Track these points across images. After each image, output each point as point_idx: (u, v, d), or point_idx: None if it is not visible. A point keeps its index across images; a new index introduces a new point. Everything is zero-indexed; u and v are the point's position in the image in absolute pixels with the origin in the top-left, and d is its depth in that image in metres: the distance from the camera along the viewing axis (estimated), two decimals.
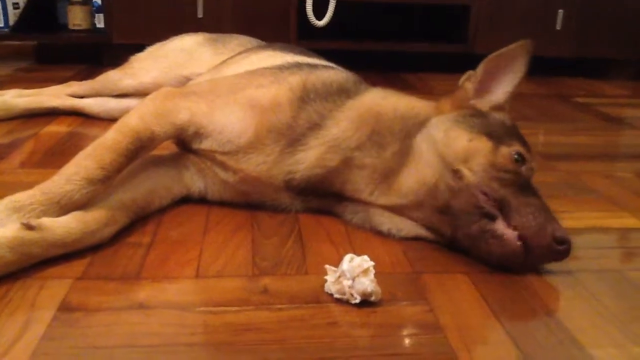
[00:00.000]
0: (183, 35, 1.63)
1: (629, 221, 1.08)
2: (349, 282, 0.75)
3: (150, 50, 1.61)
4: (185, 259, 0.86)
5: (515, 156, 0.90)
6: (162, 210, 1.01)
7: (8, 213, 0.81)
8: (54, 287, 0.76)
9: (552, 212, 0.86)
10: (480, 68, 0.97)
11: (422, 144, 0.94)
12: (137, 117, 0.94)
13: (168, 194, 1.02)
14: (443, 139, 0.92)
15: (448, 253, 0.91)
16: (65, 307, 0.72)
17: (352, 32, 2.65)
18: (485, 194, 0.86)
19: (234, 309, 0.74)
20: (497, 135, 0.92)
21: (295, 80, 0.99)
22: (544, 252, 0.83)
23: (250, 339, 0.67)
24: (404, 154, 0.94)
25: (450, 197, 0.88)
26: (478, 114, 0.97)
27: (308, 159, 0.95)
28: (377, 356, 0.66)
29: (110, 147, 0.89)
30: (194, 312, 0.73)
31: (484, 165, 0.88)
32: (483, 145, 0.90)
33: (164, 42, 1.62)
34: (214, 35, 1.61)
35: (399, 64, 2.67)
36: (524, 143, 0.93)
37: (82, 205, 0.86)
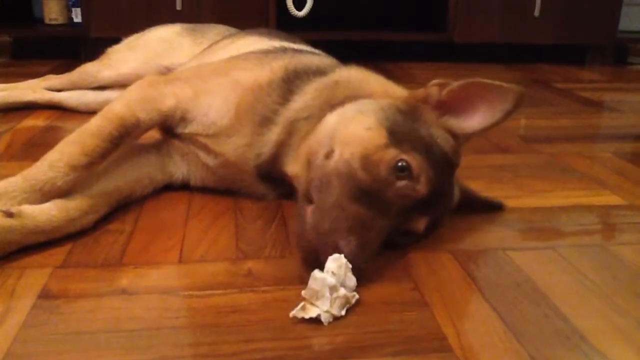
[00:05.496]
0: (160, 26, 1.62)
1: (611, 198, 1.09)
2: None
3: (127, 42, 1.60)
4: (167, 245, 0.85)
5: (399, 164, 0.76)
6: (144, 199, 1.00)
7: None
8: (33, 276, 0.75)
9: (370, 243, 0.73)
10: (459, 85, 0.84)
11: (331, 116, 0.87)
12: (122, 103, 0.94)
13: (151, 183, 1.01)
14: (348, 118, 0.85)
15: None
16: (45, 295, 0.71)
17: (331, 22, 2.64)
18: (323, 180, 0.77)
19: (218, 292, 0.73)
20: (403, 138, 0.79)
21: (277, 63, 0.99)
22: (323, 255, 0.71)
23: (235, 320, 0.67)
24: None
25: (310, 173, 0.81)
26: (413, 114, 0.84)
27: (272, 139, 0.93)
28: (363, 333, 0.66)
29: (94, 133, 0.88)
30: (177, 296, 0.72)
31: (355, 154, 0.77)
32: (375, 137, 0.79)
33: (141, 33, 1.61)
34: (191, 25, 1.60)
35: (380, 53, 2.67)
36: (433, 167, 0.78)
37: (65, 192, 0.85)
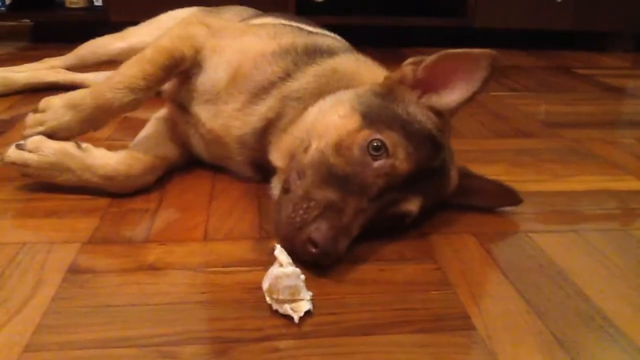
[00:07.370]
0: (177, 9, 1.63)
1: (633, 184, 1.09)
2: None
3: (145, 22, 1.61)
4: (192, 223, 0.86)
5: (374, 143, 0.76)
6: (166, 179, 1.01)
7: (65, 109, 0.93)
8: (62, 251, 0.77)
9: (345, 227, 0.72)
10: (431, 60, 0.81)
11: (312, 109, 0.88)
12: (167, 39, 1.01)
13: (188, 155, 1.06)
14: (324, 110, 0.85)
15: (454, 214, 0.91)
16: (74, 270, 0.72)
17: (350, 7, 2.63)
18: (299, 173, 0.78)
19: (243, 269, 0.74)
20: (377, 119, 0.79)
21: (287, 39, 1.00)
22: (300, 249, 0.72)
23: (260, 296, 0.67)
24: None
25: (289, 166, 0.83)
26: (389, 96, 0.83)
27: (262, 111, 0.93)
28: (387, 311, 0.67)
29: (150, 62, 0.96)
30: (203, 273, 0.73)
31: (329, 142, 0.78)
32: (348, 122, 0.79)
33: (159, 15, 1.62)
34: (208, 8, 1.60)
35: (398, 39, 2.66)
36: (412, 143, 0.77)
37: (124, 112, 0.96)
